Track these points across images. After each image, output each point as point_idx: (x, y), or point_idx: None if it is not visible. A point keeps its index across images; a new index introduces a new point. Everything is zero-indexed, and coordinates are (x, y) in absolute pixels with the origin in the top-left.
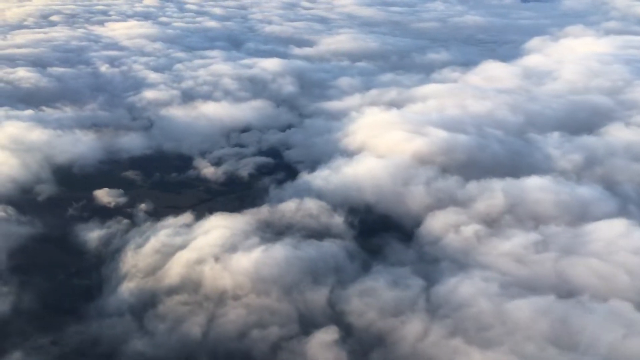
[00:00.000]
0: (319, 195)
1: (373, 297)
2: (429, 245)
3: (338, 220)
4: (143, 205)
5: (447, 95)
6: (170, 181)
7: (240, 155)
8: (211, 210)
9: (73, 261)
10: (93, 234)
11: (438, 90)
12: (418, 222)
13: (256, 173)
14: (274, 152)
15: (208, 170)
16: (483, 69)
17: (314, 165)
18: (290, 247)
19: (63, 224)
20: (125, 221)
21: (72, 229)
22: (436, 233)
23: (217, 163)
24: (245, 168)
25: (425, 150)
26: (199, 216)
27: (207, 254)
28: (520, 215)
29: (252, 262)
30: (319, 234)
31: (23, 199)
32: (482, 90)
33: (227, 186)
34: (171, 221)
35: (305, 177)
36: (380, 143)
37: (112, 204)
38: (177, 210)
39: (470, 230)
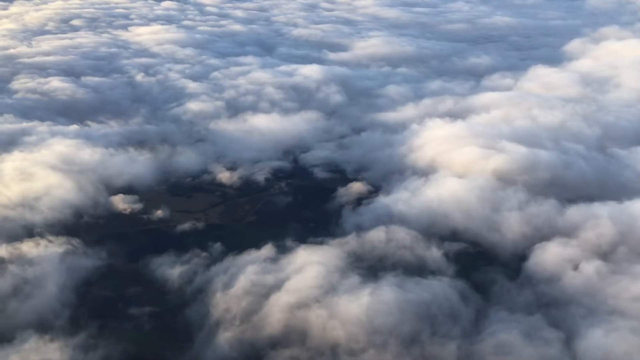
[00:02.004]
0: (401, 221)
1: (511, 355)
2: (545, 284)
3: (435, 253)
4: (159, 212)
5: (509, 104)
6: (185, 186)
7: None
8: (283, 235)
9: (152, 301)
10: (173, 271)
11: (498, 99)
12: (520, 253)
13: (272, 177)
14: (287, 156)
15: (223, 175)
16: (535, 74)
17: (380, 183)
18: (397, 288)
19: (134, 256)
20: (204, 254)
21: (145, 262)
22: (550, 269)
23: (231, 167)
24: (261, 172)
25: (506, 168)
26: (281, 249)
27: (307, 297)
28: (635, 247)
29: (362, 308)
30: (417, 268)
31: (84, 227)
32: (546, 99)
33: (242, 190)
34: (253, 255)
35: (383, 200)
36: (455, 160)
37: (128, 210)
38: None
39: (591, 267)
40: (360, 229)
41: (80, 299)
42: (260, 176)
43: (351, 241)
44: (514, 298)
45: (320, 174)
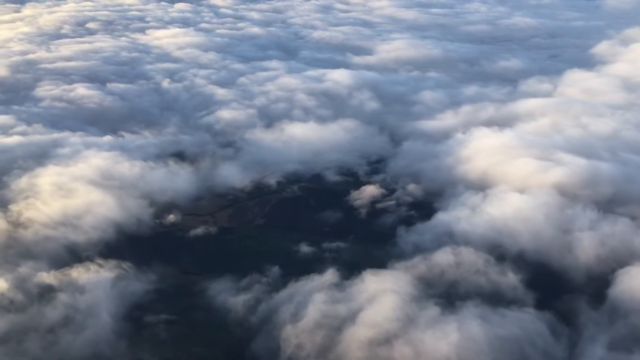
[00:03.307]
0: (466, 241)
1: None
2: (637, 315)
3: (512, 279)
4: (171, 216)
5: (555, 111)
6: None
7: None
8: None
9: (215, 333)
10: (235, 299)
11: (542, 105)
12: (598, 279)
13: (284, 180)
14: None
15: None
16: (573, 79)
17: (429, 198)
18: (482, 321)
19: (187, 280)
20: (264, 279)
21: (200, 286)
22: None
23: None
24: (273, 176)
25: (567, 182)
26: (345, 273)
27: (387, 331)
28: None
29: (451, 345)
30: (493, 296)
31: (132, 248)
32: (593, 106)
33: (252, 193)
34: (317, 281)
35: (441, 217)
36: (510, 173)
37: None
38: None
39: None
40: (420, 248)
41: (135, 329)
42: (272, 179)
43: (419, 265)
44: (605, 331)
45: (332, 177)
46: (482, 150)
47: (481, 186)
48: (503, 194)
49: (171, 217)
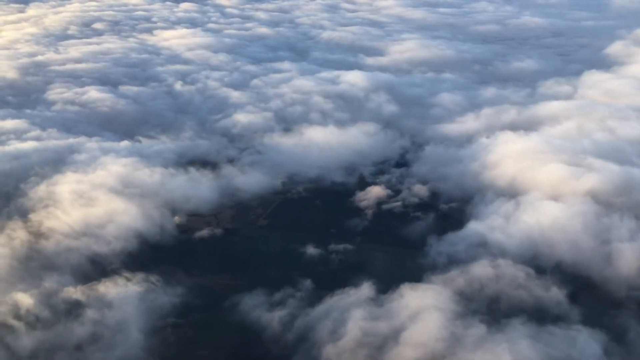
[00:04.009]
0: (502, 252)
1: None
2: None
3: (556, 294)
4: (176, 218)
5: (579, 115)
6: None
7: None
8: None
9: (248, 350)
10: (271, 315)
11: (565, 108)
12: None
13: (288, 182)
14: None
15: (239, 180)
16: (592, 81)
17: (456, 205)
18: (533, 341)
19: (215, 293)
20: (299, 294)
21: (232, 300)
22: None
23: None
24: (278, 176)
25: (601, 189)
26: (381, 287)
27: (432, 351)
28: None
29: None
30: (537, 312)
31: (156, 259)
32: (617, 109)
33: (255, 193)
34: (353, 296)
35: (474, 227)
36: (541, 179)
37: None
38: None
39: None
40: (453, 260)
41: (165, 345)
42: (277, 179)
43: (457, 278)
44: None
45: (338, 177)
46: (508, 155)
47: (511, 193)
48: (537, 201)
49: (176, 219)
